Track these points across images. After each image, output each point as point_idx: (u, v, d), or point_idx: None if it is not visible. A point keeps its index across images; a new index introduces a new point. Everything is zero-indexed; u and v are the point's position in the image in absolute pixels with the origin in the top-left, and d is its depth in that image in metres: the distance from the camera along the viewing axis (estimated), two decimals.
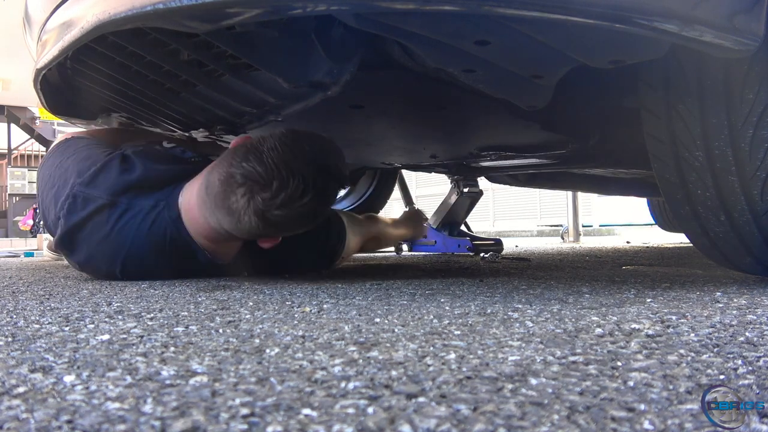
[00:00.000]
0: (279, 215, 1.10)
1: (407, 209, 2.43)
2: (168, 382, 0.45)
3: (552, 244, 4.12)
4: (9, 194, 10.81)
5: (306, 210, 1.12)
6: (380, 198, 2.85)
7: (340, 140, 1.79)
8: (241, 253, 1.31)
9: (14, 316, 0.80)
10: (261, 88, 1.12)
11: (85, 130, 1.62)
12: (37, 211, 2.14)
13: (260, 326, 0.69)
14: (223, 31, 0.91)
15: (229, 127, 1.34)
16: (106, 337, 0.64)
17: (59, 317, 0.78)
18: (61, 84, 1.26)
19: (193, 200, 1.20)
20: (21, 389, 0.44)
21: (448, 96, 1.24)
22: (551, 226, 9.94)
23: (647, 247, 3.25)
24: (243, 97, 1.17)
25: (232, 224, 1.14)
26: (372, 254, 2.69)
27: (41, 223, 1.90)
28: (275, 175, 1.08)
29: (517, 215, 13.03)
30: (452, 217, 2.49)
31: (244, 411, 0.38)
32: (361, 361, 0.51)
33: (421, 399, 0.41)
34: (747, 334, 0.62)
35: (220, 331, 0.67)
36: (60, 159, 1.35)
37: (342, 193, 2.82)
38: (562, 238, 5.15)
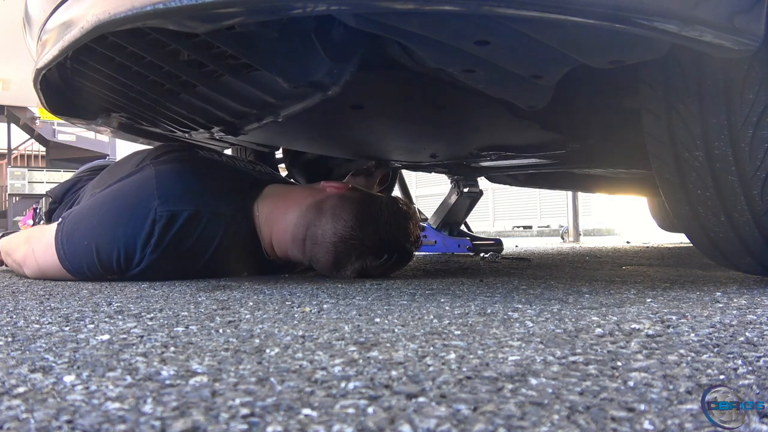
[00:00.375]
0: (375, 274, 1.29)
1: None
2: (168, 382, 0.45)
3: (552, 244, 4.12)
4: (9, 194, 10.81)
5: (395, 269, 1.36)
6: None
7: (341, 139, 1.79)
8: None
9: (14, 316, 0.80)
10: (260, 89, 1.12)
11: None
12: (37, 211, 2.13)
13: (260, 326, 0.69)
14: (222, 32, 0.91)
15: (229, 128, 1.34)
16: (106, 337, 0.64)
17: (59, 317, 0.78)
18: (61, 84, 1.26)
19: (278, 231, 1.34)
20: (21, 389, 0.44)
21: (448, 96, 1.24)
22: (522, 227, 10.21)
23: (647, 247, 3.25)
24: (243, 98, 1.17)
25: (327, 269, 1.30)
26: None
27: (41, 223, 1.90)
28: (388, 249, 1.27)
29: (517, 215, 13.03)
30: (452, 217, 2.49)
31: (244, 411, 0.38)
32: (361, 361, 0.51)
33: (421, 399, 0.41)
34: (747, 334, 0.62)
35: (220, 331, 0.67)
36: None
37: None
38: (562, 238, 5.15)
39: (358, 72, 1.01)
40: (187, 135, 1.48)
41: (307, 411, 0.38)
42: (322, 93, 1.04)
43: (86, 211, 1.32)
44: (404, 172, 2.82)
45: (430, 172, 2.44)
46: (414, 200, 2.92)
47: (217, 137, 1.46)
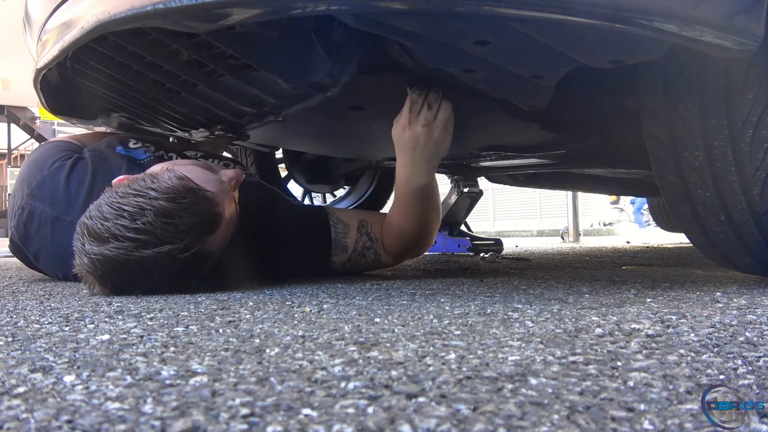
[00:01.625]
0: None
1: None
2: (168, 382, 0.45)
3: (552, 244, 4.12)
4: (9, 194, 10.81)
5: None
6: (380, 198, 2.85)
7: (341, 138, 1.79)
8: None
9: (14, 316, 0.80)
10: (261, 89, 1.12)
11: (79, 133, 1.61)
12: None
13: (260, 326, 0.69)
14: (222, 32, 0.91)
15: (230, 127, 1.34)
16: (106, 337, 0.64)
17: (59, 317, 0.78)
18: (61, 84, 1.26)
19: None
20: (21, 389, 0.44)
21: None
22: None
23: (647, 247, 3.25)
24: (243, 97, 1.17)
25: None
26: None
27: None
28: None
29: (517, 215, 13.04)
30: (452, 217, 2.49)
31: (244, 411, 0.38)
32: (361, 361, 0.51)
33: (421, 399, 0.41)
34: (747, 334, 0.62)
35: (220, 331, 0.67)
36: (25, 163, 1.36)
37: (342, 192, 2.82)
38: (562, 238, 5.15)
39: (357, 75, 1.02)
40: (187, 134, 1.48)
41: (307, 411, 0.38)
42: (322, 94, 1.04)
43: None
44: None
45: None
46: None
47: (218, 136, 1.46)
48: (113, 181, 1.12)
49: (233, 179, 1.16)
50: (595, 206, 11.22)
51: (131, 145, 1.41)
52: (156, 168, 1.13)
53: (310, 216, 1.39)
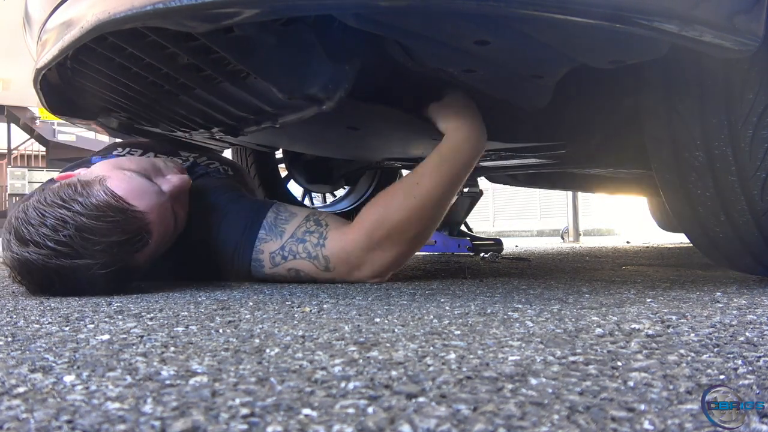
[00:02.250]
0: None
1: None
2: (168, 382, 0.45)
3: (552, 244, 4.12)
4: (9, 194, 10.82)
5: None
6: None
7: (338, 146, 1.79)
8: None
9: (14, 316, 0.80)
10: (257, 97, 1.12)
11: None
12: None
13: (260, 326, 0.69)
14: (220, 35, 0.91)
15: (228, 129, 1.34)
16: (106, 337, 0.64)
17: (59, 317, 0.78)
18: (61, 84, 1.26)
19: None
20: (21, 389, 0.44)
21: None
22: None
23: (647, 247, 3.25)
24: (240, 103, 1.17)
25: None
26: None
27: None
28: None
29: (517, 215, 13.03)
30: (452, 217, 2.49)
31: (244, 411, 0.38)
32: (361, 361, 0.51)
33: (421, 399, 0.41)
34: (747, 334, 0.62)
35: (220, 331, 0.67)
36: None
37: (342, 192, 2.82)
38: (562, 238, 5.15)
39: (350, 99, 1.02)
40: (187, 135, 1.48)
41: (307, 411, 0.38)
42: (317, 107, 1.04)
43: None
44: (404, 172, 2.83)
45: None
46: None
47: (218, 137, 1.46)
48: (56, 176, 1.11)
49: (176, 188, 1.12)
50: (595, 206, 11.21)
51: (116, 153, 1.39)
52: (97, 169, 1.10)
53: (254, 207, 1.26)
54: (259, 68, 0.97)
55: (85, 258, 0.98)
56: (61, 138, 11.15)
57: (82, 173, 1.10)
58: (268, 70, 0.97)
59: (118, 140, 1.65)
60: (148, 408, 0.39)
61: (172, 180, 1.13)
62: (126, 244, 1.01)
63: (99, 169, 1.11)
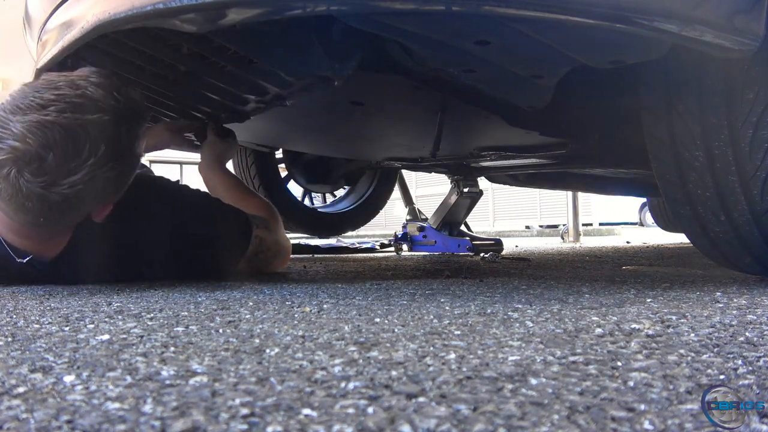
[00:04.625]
0: None
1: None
2: (168, 382, 0.45)
3: (552, 244, 4.12)
4: None
5: None
6: (380, 198, 2.85)
7: (341, 135, 1.79)
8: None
9: (14, 316, 0.80)
10: (263, 79, 1.12)
11: None
12: None
13: (260, 326, 0.69)
14: (223, 28, 0.91)
15: (234, 115, 1.34)
16: (106, 337, 0.64)
17: (59, 317, 0.78)
18: None
19: None
20: (21, 389, 0.44)
21: (448, 100, 1.24)
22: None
23: (647, 247, 3.25)
24: (246, 86, 1.17)
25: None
26: (372, 254, 2.69)
27: None
28: None
29: (517, 215, 13.04)
30: (452, 217, 2.49)
31: (244, 411, 0.38)
32: (361, 361, 0.51)
33: (421, 399, 0.41)
34: (747, 334, 0.62)
35: (220, 331, 0.67)
36: None
37: (342, 192, 2.82)
38: (562, 238, 5.15)
39: (358, 72, 1.02)
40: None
41: (307, 411, 0.38)
42: (326, 84, 1.04)
43: None
44: (404, 172, 2.83)
45: (430, 172, 2.44)
46: (414, 200, 2.92)
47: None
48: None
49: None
50: (595, 206, 11.21)
51: None
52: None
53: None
54: (263, 55, 0.97)
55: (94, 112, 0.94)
56: None
57: None
58: (273, 56, 0.98)
59: None
60: (148, 408, 0.39)
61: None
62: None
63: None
